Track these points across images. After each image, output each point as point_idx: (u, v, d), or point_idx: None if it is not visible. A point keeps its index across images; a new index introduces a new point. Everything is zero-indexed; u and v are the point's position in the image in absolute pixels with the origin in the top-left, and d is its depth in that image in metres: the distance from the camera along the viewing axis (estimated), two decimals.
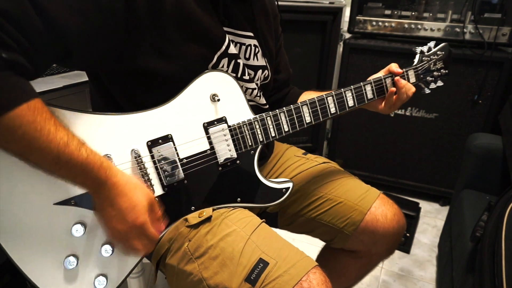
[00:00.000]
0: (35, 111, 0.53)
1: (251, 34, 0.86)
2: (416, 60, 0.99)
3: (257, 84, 0.90)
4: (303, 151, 1.11)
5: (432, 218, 2.01)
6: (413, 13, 1.86)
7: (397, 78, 0.93)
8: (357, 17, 1.92)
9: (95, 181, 0.60)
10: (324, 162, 1.05)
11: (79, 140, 0.58)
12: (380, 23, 1.89)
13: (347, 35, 2.03)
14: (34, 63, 0.56)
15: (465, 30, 1.74)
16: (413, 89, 0.94)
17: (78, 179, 0.60)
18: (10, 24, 0.51)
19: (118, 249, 0.70)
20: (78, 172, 0.58)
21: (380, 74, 0.95)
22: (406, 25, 1.85)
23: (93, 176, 0.59)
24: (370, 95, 0.93)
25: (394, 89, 0.93)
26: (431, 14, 1.83)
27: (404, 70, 0.95)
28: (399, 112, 1.95)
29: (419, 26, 1.82)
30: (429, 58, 0.99)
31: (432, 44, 1.00)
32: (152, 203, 0.68)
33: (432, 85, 1.01)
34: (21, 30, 0.53)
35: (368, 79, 0.94)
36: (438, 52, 1.00)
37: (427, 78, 1.00)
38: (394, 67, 0.94)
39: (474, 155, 1.40)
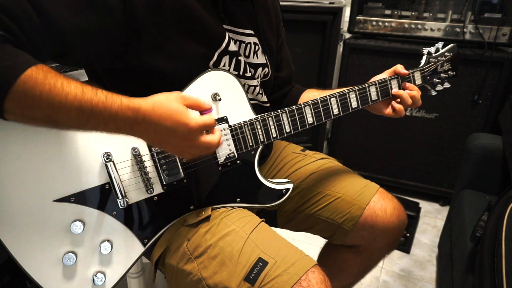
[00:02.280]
0: (43, 70, 0.54)
1: (251, 31, 0.86)
2: (423, 61, 0.97)
3: (258, 81, 0.90)
4: (301, 147, 1.10)
5: (432, 218, 2.01)
6: (413, 13, 1.86)
7: (408, 85, 0.92)
8: (357, 17, 1.92)
9: (126, 121, 0.59)
10: (322, 158, 1.05)
11: (91, 86, 0.58)
12: (380, 23, 1.89)
13: (347, 35, 2.03)
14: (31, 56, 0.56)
15: (465, 30, 1.73)
16: (418, 102, 0.92)
17: (110, 125, 0.58)
18: (9, 19, 0.52)
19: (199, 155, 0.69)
20: (106, 118, 0.57)
21: (385, 75, 0.94)
22: (406, 25, 1.85)
23: (122, 117, 0.58)
24: (374, 97, 0.92)
25: (397, 92, 0.91)
26: (431, 14, 1.83)
27: (410, 71, 0.94)
28: None
29: (419, 26, 1.82)
30: (436, 60, 0.97)
31: (440, 45, 0.98)
32: (185, 100, 0.64)
33: (439, 87, 0.99)
34: (20, 26, 0.54)
35: (373, 79, 0.93)
36: (446, 53, 0.97)
37: (434, 79, 0.98)
38: (399, 68, 0.93)
39: (474, 155, 1.40)
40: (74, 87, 0.55)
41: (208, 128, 0.66)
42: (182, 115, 0.61)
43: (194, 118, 0.63)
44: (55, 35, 0.58)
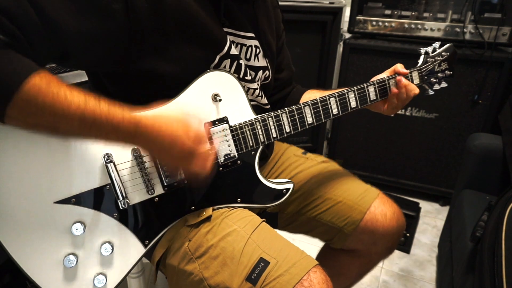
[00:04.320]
0: (46, 78, 0.54)
1: (252, 35, 0.86)
2: (420, 61, 0.97)
3: (258, 84, 0.90)
4: (303, 150, 1.10)
5: (432, 218, 2.01)
6: (413, 13, 1.86)
7: (399, 77, 0.91)
8: (357, 17, 1.92)
9: (127, 134, 0.60)
10: (323, 161, 1.05)
11: (95, 96, 0.58)
12: (380, 23, 1.89)
13: (347, 35, 2.03)
14: (31, 59, 0.56)
15: (465, 30, 1.73)
16: (415, 90, 0.92)
17: (111, 136, 0.60)
18: (10, 21, 0.52)
19: (188, 178, 0.72)
20: (108, 129, 0.58)
21: (384, 74, 0.94)
22: (406, 25, 1.85)
23: (123, 130, 0.59)
24: (373, 97, 0.92)
25: (396, 90, 0.92)
26: (431, 14, 1.83)
27: (408, 71, 0.94)
28: (399, 112, 1.95)
29: (419, 26, 1.82)
30: (433, 59, 0.98)
31: (437, 44, 0.98)
32: (187, 125, 0.66)
33: (436, 86, 1.00)
34: (21, 29, 0.53)
35: (372, 79, 0.93)
36: (443, 53, 0.98)
37: (431, 79, 0.99)
38: (399, 67, 0.93)
39: (474, 155, 1.40)
40: (77, 97, 0.55)
41: (201, 157, 0.68)
42: (180, 136, 0.64)
43: (189, 143, 0.65)
44: (56, 38, 0.58)
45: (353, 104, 0.90)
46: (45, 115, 0.54)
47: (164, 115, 0.64)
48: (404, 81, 0.91)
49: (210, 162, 0.70)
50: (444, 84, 1.00)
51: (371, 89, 0.91)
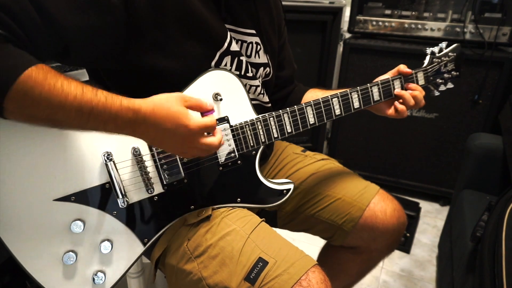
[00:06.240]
0: (43, 70, 0.53)
1: (253, 31, 0.85)
2: (426, 61, 0.96)
3: (260, 81, 0.89)
4: (302, 148, 1.10)
5: (432, 218, 2.01)
6: (413, 12, 1.86)
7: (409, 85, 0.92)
8: (357, 17, 1.92)
9: (126, 122, 0.59)
10: (322, 159, 1.05)
11: (92, 87, 0.57)
12: (380, 23, 1.89)
13: (347, 35, 2.03)
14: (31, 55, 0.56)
15: (465, 30, 1.73)
16: (421, 102, 0.92)
17: (109, 125, 0.58)
18: (10, 18, 0.52)
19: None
20: (106, 119, 0.57)
21: (388, 75, 0.93)
22: (406, 25, 1.85)
23: (122, 118, 0.58)
24: (376, 97, 0.91)
25: (401, 92, 0.91)
26: (431, 14, 1.83)
27: (413, 71, 0.93)
28: None
29: (420, 26, 1.82)
30: (439, 60, 0.96)
31: (443, 44, 0.97)
32: (186, 101, 0.64)
33: (442, 87, 0.98)
34: (20, 25, 0.53)
35: (376, 80, 0.92)
36: (449, 54, 0.97)
37: (437, 80, 0.97)
38: (402, 67, 0.92)
39: (474, 155, 1.40)
40: (74, 88, 0.54)
41: (209, 130, 0.66)
42: (182, 117, 0.62)
43: (194, 119, 0.63)
44: (56, 34, 0.58)
45: (356, 104, 0.89)
46: (42, 106, 0.53)
47: (163, 98, 0.62)
48: (411, 85, 0.91)
49: (219, 136, 0.68)
50: (450, 85, 0.98)
51: (375, 89, 0.90)
